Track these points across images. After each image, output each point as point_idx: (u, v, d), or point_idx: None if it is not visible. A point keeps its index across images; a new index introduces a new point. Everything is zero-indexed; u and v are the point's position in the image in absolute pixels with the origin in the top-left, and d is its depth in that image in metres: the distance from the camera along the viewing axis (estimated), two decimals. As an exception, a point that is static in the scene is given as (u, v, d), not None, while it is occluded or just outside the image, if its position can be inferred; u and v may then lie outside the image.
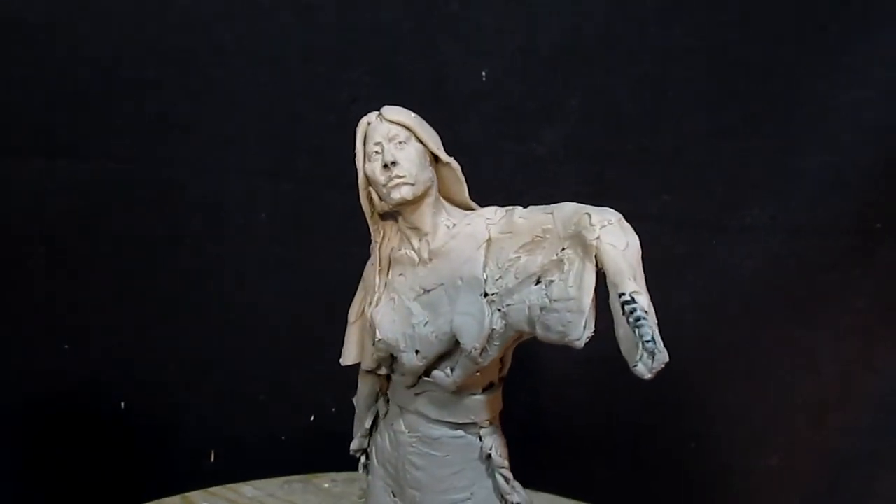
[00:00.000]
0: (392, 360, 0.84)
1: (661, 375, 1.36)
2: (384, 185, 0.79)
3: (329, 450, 1.25)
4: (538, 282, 0.73)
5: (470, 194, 0.85)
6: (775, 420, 1.36)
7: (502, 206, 0.84)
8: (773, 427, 1.37)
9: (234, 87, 1.30)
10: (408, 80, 1.27)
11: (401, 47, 1.27)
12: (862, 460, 1.36)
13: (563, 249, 0.72)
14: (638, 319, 0.64)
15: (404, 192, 0.79)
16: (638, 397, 1.37)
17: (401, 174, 0.78)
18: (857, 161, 1.24)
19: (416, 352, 0.79)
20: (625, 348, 0.66)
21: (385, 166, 0.79)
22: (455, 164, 0.83)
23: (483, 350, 0.76)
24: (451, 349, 0.79)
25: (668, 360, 0.64)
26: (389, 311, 0.82)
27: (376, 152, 0.80)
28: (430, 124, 0.83)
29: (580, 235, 0.70)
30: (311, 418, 1.40)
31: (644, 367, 0.65)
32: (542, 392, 1.33)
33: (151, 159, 1.33)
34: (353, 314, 0.90)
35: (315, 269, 1.35)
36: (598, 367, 1.33)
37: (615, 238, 0.69)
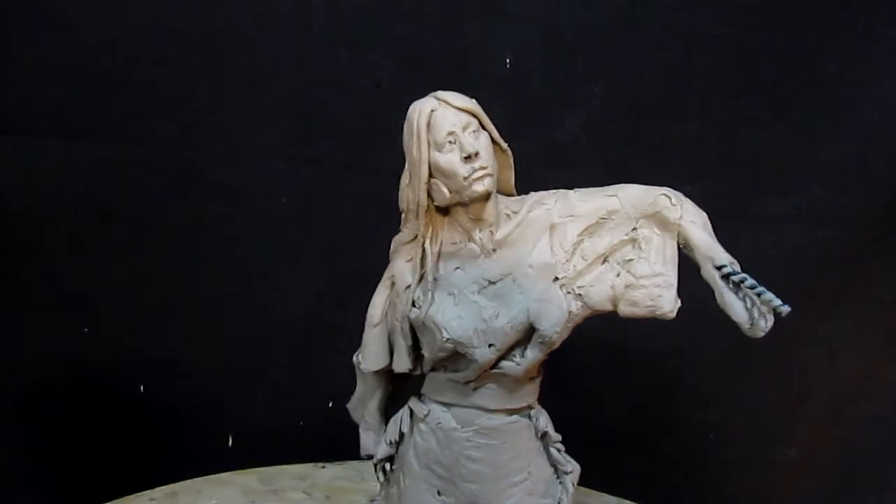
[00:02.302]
0: (448, 358, 0.80)
1: (680, 365, 1.36)
2: (466, 178, 0.75)
3: (346, 436, 1.25)
4: (605, 261, 0.78)
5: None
6: (794, 411, 1.36)
7: (524, 192, 0.84)
8: (792, 418, 1.36)
9: (256, 70, 1.30)
10: (430, 64, 1.26)
11: (424, 31, 1.26)
12: (880, 452, 1.36)
13: (635, 229, 0.77)
14: (754, 287, 0.71)
15: (487, 184, 0.76)
16: (657, 388, 1.37)
17: (484, 165, 0.75)
18: (880, 151, 1.23)
19: (490, 345, 0.77)
20: (737, 314, 0.72)
21: (467, 157, 0.75)
22: (510, 152, 0.81)
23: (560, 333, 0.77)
24: (522, 338, 0.78)
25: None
26: (451, 307, 0.78)
27: (450, 142, 0.75)
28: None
29: (659, 215, 0.76)
30: (330, 404, 1.40)
31: (758, 329, 0.71)
32: (561, 384, 1.32)
33: (171, 143, 1.33)
34: (376, 315, 0.85)
35: (334, 255, 1.35)
36: (616, 359, 1.34)
37: (694, 215, 0.77)
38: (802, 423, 1.37)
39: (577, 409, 1.36)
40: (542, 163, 1.26)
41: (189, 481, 1.21)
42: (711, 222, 1.25)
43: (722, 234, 1.26)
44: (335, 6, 1.27)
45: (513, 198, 0.83)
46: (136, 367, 1.42)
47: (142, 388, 1.43)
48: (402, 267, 0.83)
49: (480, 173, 0.75)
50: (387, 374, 0.88)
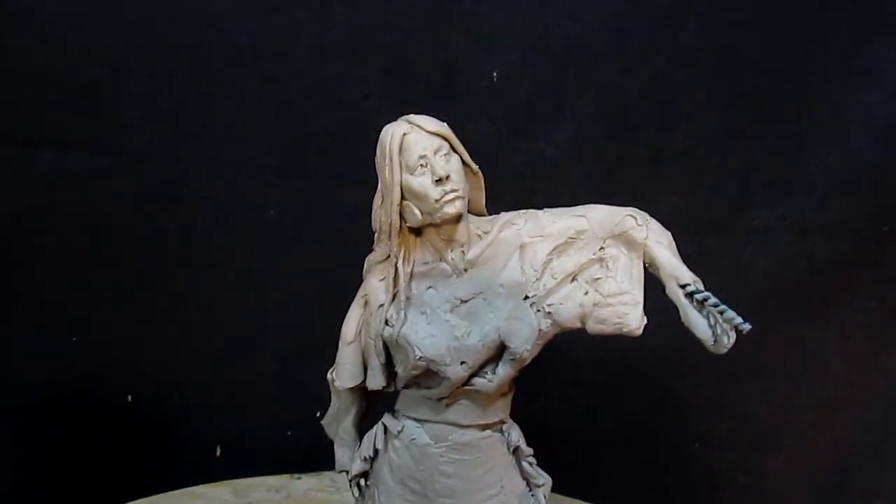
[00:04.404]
0: (421, 375, 0.82)
1: (668, 374, 1.36)
2: (437, 200, 0.76)
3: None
4: (573, 279, 0.78)
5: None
6: (782, 420, 1.37)
7: (514, 206, 0.84)
8: (780, 427, 1.37)
9: (246, 82, 1.29)
10: (419, 77, 1.26)
11: (412, 45, 1.26)
12: (868, 460, 1.37)
13: (602, 248, 0.78)
14: (717, 305, 0.72)
15: (458, 207, 0.77)
16: (644, 397, 1.37)
17: (455, 188, 0.77)
18: (866, 163, 1.24)
19: (462, 363, 0.79)
20: (700, 331, 0.74)
21: (438, 181, 0.76)
22: (480, 174, 0.82)
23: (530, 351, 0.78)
24: (493, 355, 0.79)
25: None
26: (424, 325, 0.80)
27: (422, 166, 0.77)
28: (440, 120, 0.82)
29: (626, 235, 0.78)
30: (318, 414, 1.40)
31: (721, 346, 0.73)
32: (548, 393, 1.32)
33: (161, 154, 1.33)
34: (350, 334, 0.86)
35: (323, 266, 1.34)
36: (604, 368, 1.34)
37: (660, 235, 0.78)
38: (790, 431, 1.37)
39: (565, 419, 1.37)
40: (530, 175, 1.27)
41: (162, 495, 1.19)
42: (698, 234, 1.27)
43: (709, 245, 1.28)
44: (324, 19, 1.26)
45: (484, 218, 0.84)
46: (124, 377, 1.41)
47: (130, 398, 1.41)
48: (375, 286, 0.84)
49: (451, 195, 0.76)
50: (361, 391, 0.89)
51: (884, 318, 1.31)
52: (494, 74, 1.25)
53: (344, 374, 0.87)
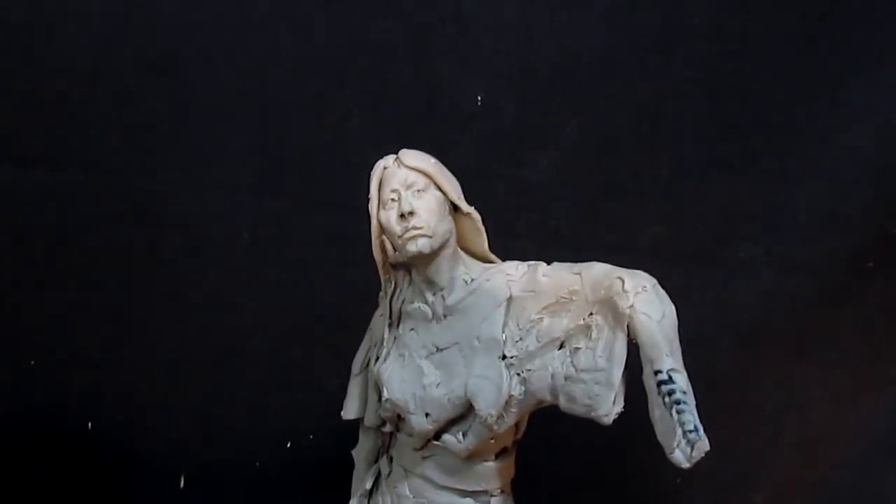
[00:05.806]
0: (399, 419, 0.79)
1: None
2: (400, 237, 0.74)
3: (305, 477, 1.21)
4: (561, 346, 0.70)
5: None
6: (762, 456, 1.35)
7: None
8: (760, 463, 1.35)
9: (221, 99, 1.27)
10: (401, 98, 1.24)
11: (395, 65, 1.24)
12: (849, 497, 1.36)
13: (591, 314, 0.68)
14: (678, 403, 0.61)
15: (421, 245, 0.74)
16: (623, 432, 1.34)
17: (418, 225, 0.73)
18: (852, 198, 1.24)
19: (427, 414, 0.75)
20: (660, 432, 0.63)
21: (402, 216, 0.74)
22: (476, 215, 0.79)
23: (499, 417, 0.72)
24: (464, 413, 0.74)
25: (708, 448, 0.61)
26: (398, 368, 0.77)
27: (392, 200, 0.75)
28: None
29: (611, 301, 0.67)
30: (288, 444, 1.36)
31: (682, 456, 0.62)
32: (527, 427, 1.30)
33: (130, 171, 1.29)
34: (357, 366, 0.86)
35: (297, 292, 1.32)
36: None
37: (650, 307, 0.65)
38: (772, 468, 1.36)
39: (544, 452, 1.34)
40: (511, 202, 1.25)
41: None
42: (681, 267, 1.26)
43: (693, 278, 1.27)
44: (305, 36, 1.24)
45: (483, 264, 0.80)
46: (84, 402, 1.37)
47: (90, 425, 1.37)
48: (377, 320, 0.84)
49: (413, 233, 0.74)
50: (376, 428, 0.88)
51: (866, 354, 1.30)
52: (479, 98, 1.24)
53: (347, 404, 0.88)
